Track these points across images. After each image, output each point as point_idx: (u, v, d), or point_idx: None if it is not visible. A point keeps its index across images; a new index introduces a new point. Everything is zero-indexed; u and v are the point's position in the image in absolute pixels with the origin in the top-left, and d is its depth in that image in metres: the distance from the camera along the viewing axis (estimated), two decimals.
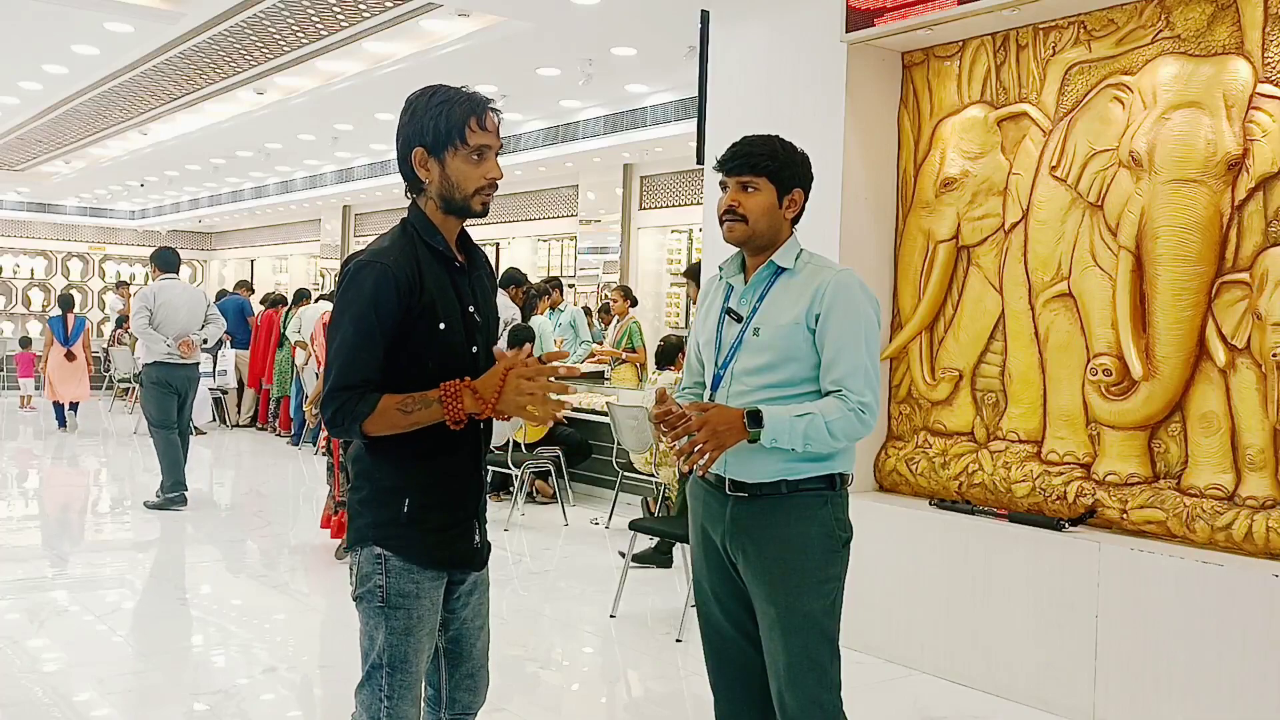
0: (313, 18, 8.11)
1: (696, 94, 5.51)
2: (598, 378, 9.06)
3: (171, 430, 7.63)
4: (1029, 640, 4.05)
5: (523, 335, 7.30)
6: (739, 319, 2.63)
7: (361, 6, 7.77)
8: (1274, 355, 3.62)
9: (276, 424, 11.97)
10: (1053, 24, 4.31)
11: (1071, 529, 4.04)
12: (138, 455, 10.45)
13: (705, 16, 5.41)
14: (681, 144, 9.96)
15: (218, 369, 12.58)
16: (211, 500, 8.57)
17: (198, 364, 7.89)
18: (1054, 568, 3.99)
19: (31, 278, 22.46)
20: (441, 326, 2.23)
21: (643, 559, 5.98)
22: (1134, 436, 4.02)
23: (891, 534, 4.50)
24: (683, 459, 2.49)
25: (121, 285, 19.63)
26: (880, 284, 4.83)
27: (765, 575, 2.55)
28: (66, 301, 13.12)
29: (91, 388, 13.39)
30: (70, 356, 12.58)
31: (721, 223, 2.63)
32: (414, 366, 2.21)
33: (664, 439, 2.56)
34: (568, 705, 4.25)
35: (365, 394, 2.16)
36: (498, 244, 14.86)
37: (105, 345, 15.99)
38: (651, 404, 2.54)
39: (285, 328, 11.52)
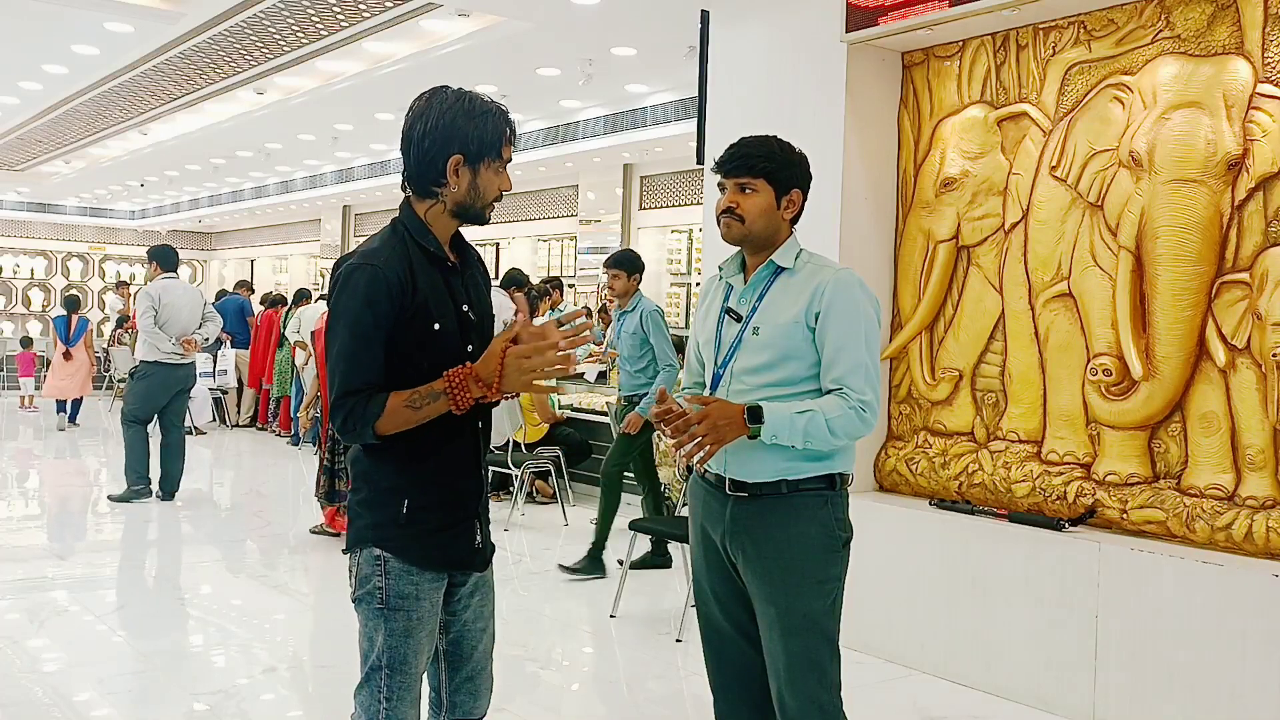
0: (313, 18, 8.11)
1: (696, 94, 5.51)
2: (600, 378, 9.06)
3: (145, 427, 7.75)
4: (1029, 640, 4.05)
5: None
6: (738, 318, 2.63)
7: (361, 6, 7.77)
8: (1274, 355, 3.62)
9: (276, 424, 11.97)
10: (1053, 24, 4.31)
11: (1071, 529, 4.04)
12: None
13: (705, 16, 5.41)
14: (681, 144, 9.96)
15: (218, 369, 12.59)
16: (211, 500, 8.57)
17: (194, 362, 7.95)
18: (1054, 568, 3.99)
19: (31, 278, 22.45)
20: (436, 327, 2.23)
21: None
22: (1134, 436, 4.02)
23: (891, 534, 4.50)
24: (680, 451, 2.49)
25: (121, 285, 19.61)
26: (880, 284, 4.83)
27: (765, 575, 2.55)
28: (72, 303, 13.38)
29: (93, 388, 13.46)
30: (68, 356, 12.68)
31: (719, 223, 2.64)
32: (409, 367, 2.20)
33: (664, 438, 2.57)
34: (568, 705, 4.25)
35: (372, 396, 2.16)
36: (498, 244, 14.86)
37: (105, 345, 16.00)
38: (653, 405, 2.54)
39: (285, 328, 11.52)
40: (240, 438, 12.06)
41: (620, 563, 5.63)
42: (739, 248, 2.69)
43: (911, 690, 4.25)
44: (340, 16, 8.05)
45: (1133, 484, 4.01)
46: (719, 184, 2.65)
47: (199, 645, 4.75)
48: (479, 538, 2.37)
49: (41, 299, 22.35)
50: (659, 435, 6.26)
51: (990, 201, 4.51)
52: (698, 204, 11.19)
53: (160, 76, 10.23)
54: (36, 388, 14.24)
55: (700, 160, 5.47)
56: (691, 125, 7.09)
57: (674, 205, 12.24)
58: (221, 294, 14.50)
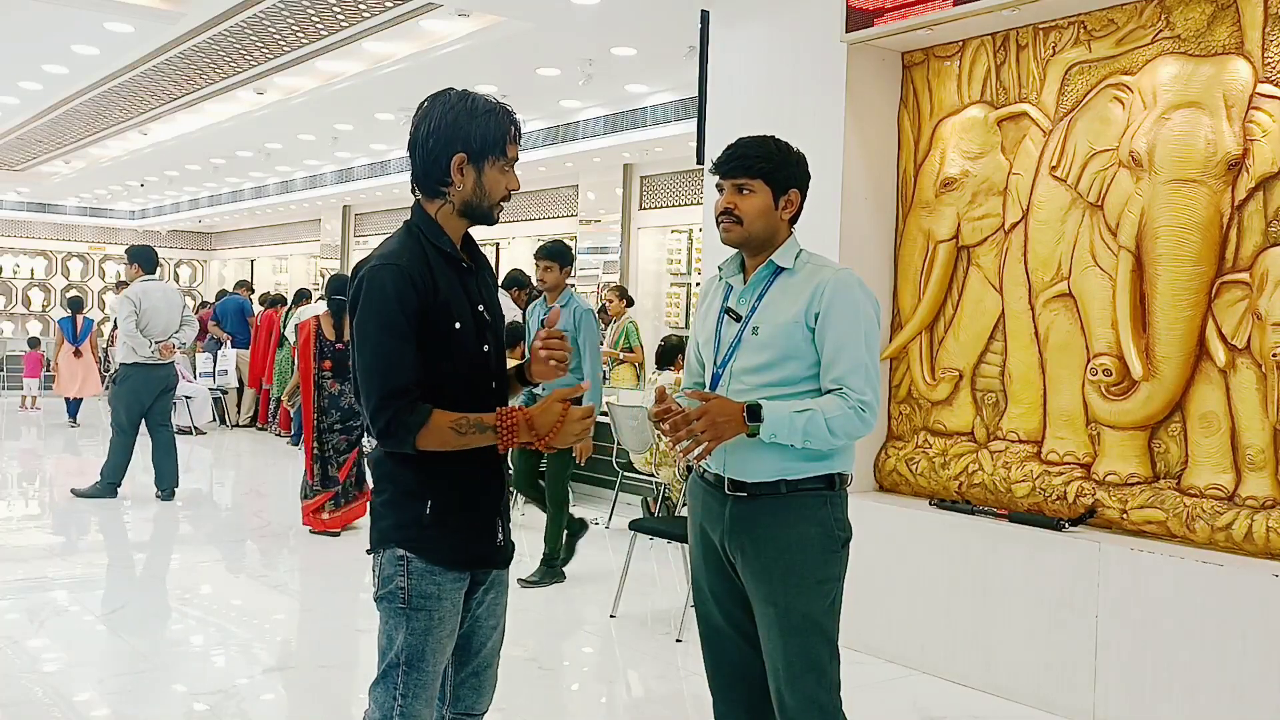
0: (313, 18, 8.11)
1: (696, 94, 5.51)
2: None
3: (133, 434, 7.77)
4: (1029, 640, 4.05)
5: (515, 334, 7.29)
6: (738, 318, 2.63)
7: (361, 6, 7.77)
8: (1274, 355, 3.62)
9: (276, 424, 11.97)
10: (1053, 24, 4.31)
11: (1071, 529, 4.04)
12: (138, 455, 10.42)
13: (705, 16, 5.42)
14: (681, 144, 9.96)
15: (218, 369, 12.60)
16: (211, 500, 8.58)
17: (174, 363, 7.99)
18: (1054, 568, 3.99)
19: (31, 278, 22.46)
20: (457, 326, 2.25)
21: (531, 581, 5.62)
22: (1134, 436, 4.02)
23: (891, 534, 4.50)
24: (678, 448, 2.48)
25: (121, 285, 19.59)
26: (880, 284, 4.83)
27: (764, 575, 2.55)
28: (76, 303, 13.62)
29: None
30: (78, 354, 12.86)
31: (718, 224, 2.64)
32: (430, 368, 2.21)
33: (664, 437, 2.57)
34: (568, 705, 4.25)
35: (415, 403, 2.17)
36: (498, 244, 14.86)
37: (105, 345, 16.01)
38: (651, 403, 2.54)
39: (285, 328, 11.52)
40: (240, 438, 12.06)
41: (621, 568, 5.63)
42: (739, 249, 2.69)
43: (911, 690, 4.25)
44: (340, 16, 8.05)
45: (1133, 484, 4.01)
46: (717, 185, 2.65)
47: (199, 645, 4.75)
48: (500, 536, 2.39)
49: (41, 299, 22.36)
50: (657, 435, 6.26)
51: (990, 201, 4.51)
52: (698, 204, 11.19)
53: (160, 76, 10.24)
54: (45, 387, 14.28)
55: (700, 160, 5.47)
56: (691, 125, 7.09)
57: (674, 205, 12.24)
58: (221, 294, 14.51)
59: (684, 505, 2.81)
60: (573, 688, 4.47)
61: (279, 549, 6.74)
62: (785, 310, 2.56)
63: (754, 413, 2.45)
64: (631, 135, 10.85)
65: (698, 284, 11.81)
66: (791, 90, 4.90)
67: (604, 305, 10.33)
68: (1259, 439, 3.69)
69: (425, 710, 2.30)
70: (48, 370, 14.96)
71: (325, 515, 6.83)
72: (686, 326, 11.61)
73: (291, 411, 9.80)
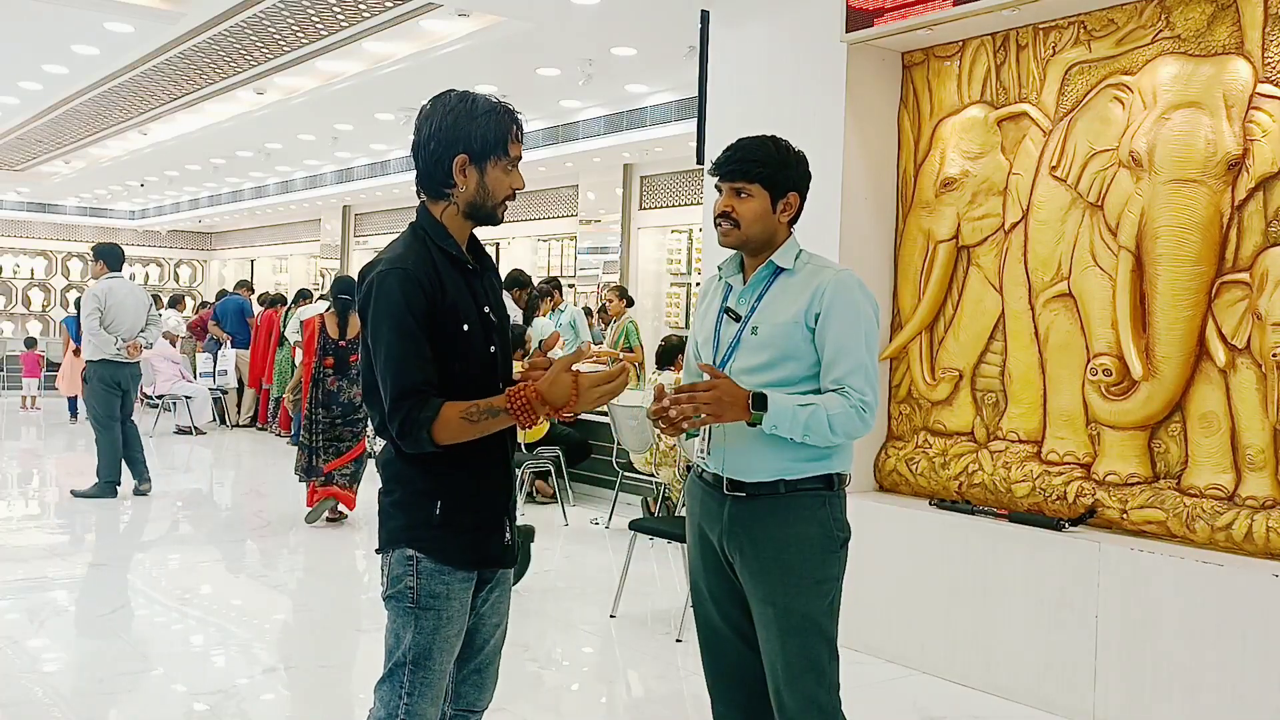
0: (313, 18, 8.11)
1: (696, 94, 5.51)
2: None
3: (116, 427, 7.77)
4: (1029, 640, 4.05)
5: (514, 335, 7.30)
6: (737, 318, 2.63)
7: (361, 6, 7.77)
8: (1274, 355, 3.62)
9: (276, 424, 11.96)
10: (1053, 24, 4.31)
11: (1071, 529, 4.04)
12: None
13: (705, 16, 5.41)
14: (681, 144, 9.97)
15: (218, 369, 12.60)
16: (211, 500, 8.58)
17: (139, 362, 8.01)
18: (1054, 568, 3.99)
19: (31, 278, 22.46)
20: (465, 328, 2.26)
21: None
22: (1134, 436, 4.02)
23: (891, 534, 4.50)
24: (670, 411, 2.42)
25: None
26: (880, 284, 4.82)
27: (763, 575, 2.54)
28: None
29: None
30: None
31: (716, 226, 2.64)
32: (440, 370, 2.22)
33: (663, 436, 2.57)
34: (568, 705, 4.25)
35: (427, 399, 2.18)
36: (498, 244, 14.86)
37: None
38: (651, 403, 2.54)
39: (285, 328, 11.52)
40: (240, 438, 12.06)
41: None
42: (737, 250, 2.69)
43: (911, 690, 4.25)
44: (340, 16, 8.05)
45: (1133, 484, 4.01)
46: (716, 186, 2.65)
47: (199, 645, 4.75)
48: (508, 535, 2.40)
49: (41, 299, 22.36)
50: (657, 435, 6.26)
51: (990, 201, 4.51)
52: (698, 204, 11.19)
53: (160, 76, 10.24)
54: (48, 387, 14.28)
55: (700, 160, 5.47)
56: (691, 125, 7.09)
57: (674, 205, 12.25)
58: (221, 294, 14.50)
59: (684, 505, 2.80)
60: (573, 688, 4.47)
61: (279, 549, 6.74)
62: (785, 310, 2.56)
63: (758, 401, 2.44)
64: (631, 135, 10.86)
65: (698, 284, 11.81)
66: (791, 90, 4.90)
67: (604, 305, 10.33)
68: (1259, 439, 3.69)
69: (431, 709, 2.30)
70: (48, 370, 14.97)
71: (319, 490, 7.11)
72: (686, 326, 11.61)
73: (291, 411, 9.83)
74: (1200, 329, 3.84)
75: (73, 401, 12.94)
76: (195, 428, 12.00)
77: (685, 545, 2.96)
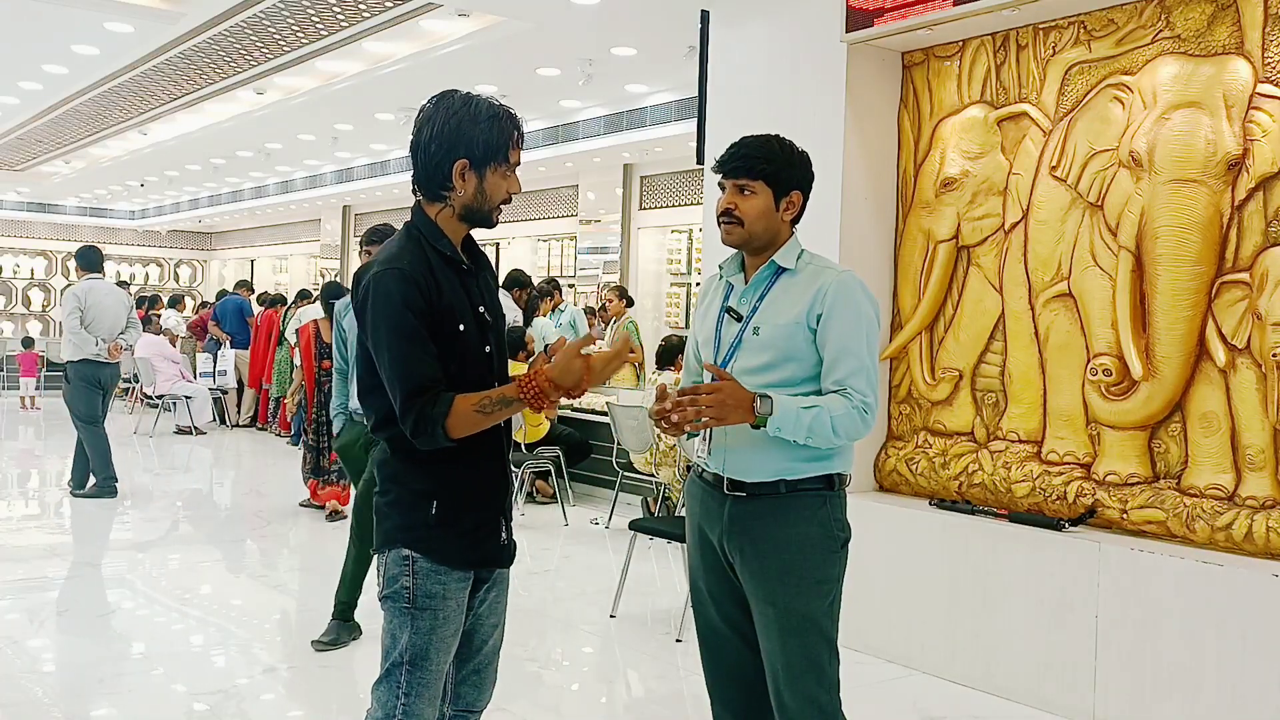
0: (313, 18, 8.11)
1: (696, 94, 5.51)
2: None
3: (100, 425, 7.83)
4: (1029, 640, 4.05)
5: (515, 337, 7.30)
6: (738, 318, 2.63)
7: (361, 6, 7.77)
8: (1274, 355, 3.62)
9: (276, 424, 11.96)
10: (1053, 24, 4.31)
11: (1071, 529, 4.04)
12: (136, 455, 10.45)
13: (705, 16, 5.42)
14: (681, 144, 9.96)
15: (217, 369, 12.60)
16: (211, 500, 8.58)
17: (119, 362, 8.05)
18: (1054, 568, 3.99)
19: (31, 278, 22.45)
20: (461, 328, 2.26)
21: (325, 642, 4.48)
22: (1134, 436, 4.02)
23: (891, 534, 4.50)
24: (672, 414, 2.42)
25: (121, 285, 19.63)
26: (880, 284, 4.82)
27: (763, 575, 2.54)
28: None
29: None
30: None
31: (719, 224, 2.64)
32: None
33: (663, 435, 2.56)
34: (568, 705, 4.24)
35: (438, 395, 2.18)
36: (498, 244, 14.86)
37: None
38: (651, 403, 2.54)
39: (285, 328, 11.52)
40: (240, 438, 12.06)
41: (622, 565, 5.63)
42: (739, 249, 2.69)
43: (911, 690, 4.25)
44: (340, 16, 8.04)
45: (1133, 484, 4.01)
46: (719, 183, 2.65)
47: (199, 645, 4.75)
48: (505, 535, 2.40)
49: (41, 299, 22.34)
50: (657, 435, 6.26)
51: (990, 201, 4.51)
52: (698, 204, 11.19)
53: (160, 76, 10.23)
54: (48, 386, 14.27)
55: (700, 160, 5.47)
56: (691, 125, 7.09)
57: (674, 205, 12.24)
58: (221, 294, 14.50)
59: (684, 505, 2.79)
60: (573, 688, 4.47)
61: (279, 549, 6.74)
62: (787, 311, 2.56)
63: (764, 404, 2.44)
64: (631, 135, 10.85)
65: (698, 284, 11.81)
66: (791, 90, 4.90)
67: (604, 305, 10.33)
68: (1259, 439, 3.69)
69: (428, 709, 2.30)
70: (48, 370, 14.96)
71: (322, 490, 7.46)
72: (686, 326, 11.61)
73: (291, 415, 9.87)
74: (1200, 329, 3.84)
75: None
76: (195, 428, 12.01)
77: (685, 545, 2.96)
